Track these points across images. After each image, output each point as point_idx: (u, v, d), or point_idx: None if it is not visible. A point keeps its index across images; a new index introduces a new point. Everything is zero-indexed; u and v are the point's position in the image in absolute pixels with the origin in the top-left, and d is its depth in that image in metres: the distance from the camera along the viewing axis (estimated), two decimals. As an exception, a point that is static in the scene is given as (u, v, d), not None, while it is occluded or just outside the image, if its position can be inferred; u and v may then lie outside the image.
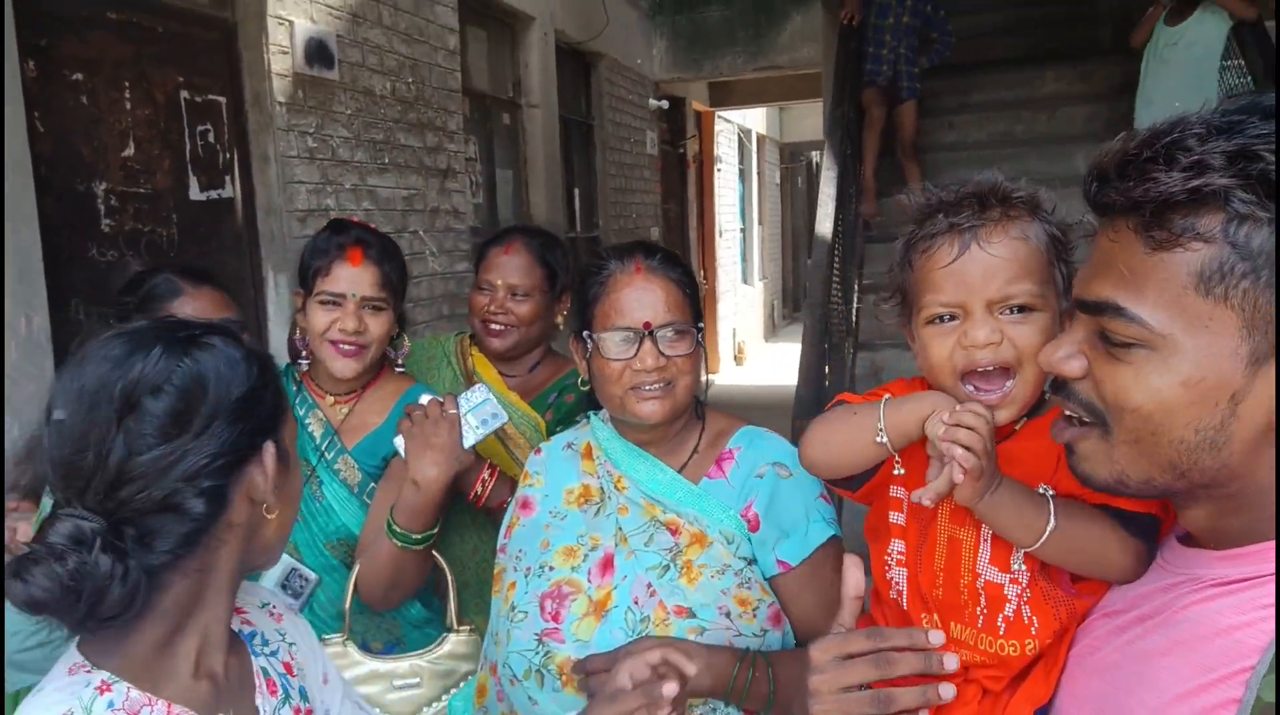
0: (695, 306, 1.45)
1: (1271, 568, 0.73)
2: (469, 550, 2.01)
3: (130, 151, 3.11)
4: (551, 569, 1.42)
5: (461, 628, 1.75)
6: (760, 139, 14.72)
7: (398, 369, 1.95)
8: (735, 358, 12.12)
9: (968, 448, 0.90)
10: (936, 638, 0.96)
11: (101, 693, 0.88)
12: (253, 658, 1.06)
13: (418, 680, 1.69)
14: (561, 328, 2.14)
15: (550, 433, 2.00)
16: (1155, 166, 0.73)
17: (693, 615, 1.31)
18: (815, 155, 19.95)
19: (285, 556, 1.75)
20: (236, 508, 0.95)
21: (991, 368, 0.98)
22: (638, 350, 1.37)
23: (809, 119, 15.72)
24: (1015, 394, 0.98)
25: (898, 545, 1.07)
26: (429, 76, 4.81)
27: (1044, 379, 0.97)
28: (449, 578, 1.77)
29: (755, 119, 14.13)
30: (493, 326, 2.05)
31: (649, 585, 1.34)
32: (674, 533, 1.37)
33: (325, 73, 3.90)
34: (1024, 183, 1.02)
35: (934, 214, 1.01)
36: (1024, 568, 0.97)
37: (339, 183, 4.08)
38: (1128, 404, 0.77)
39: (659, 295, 1.39)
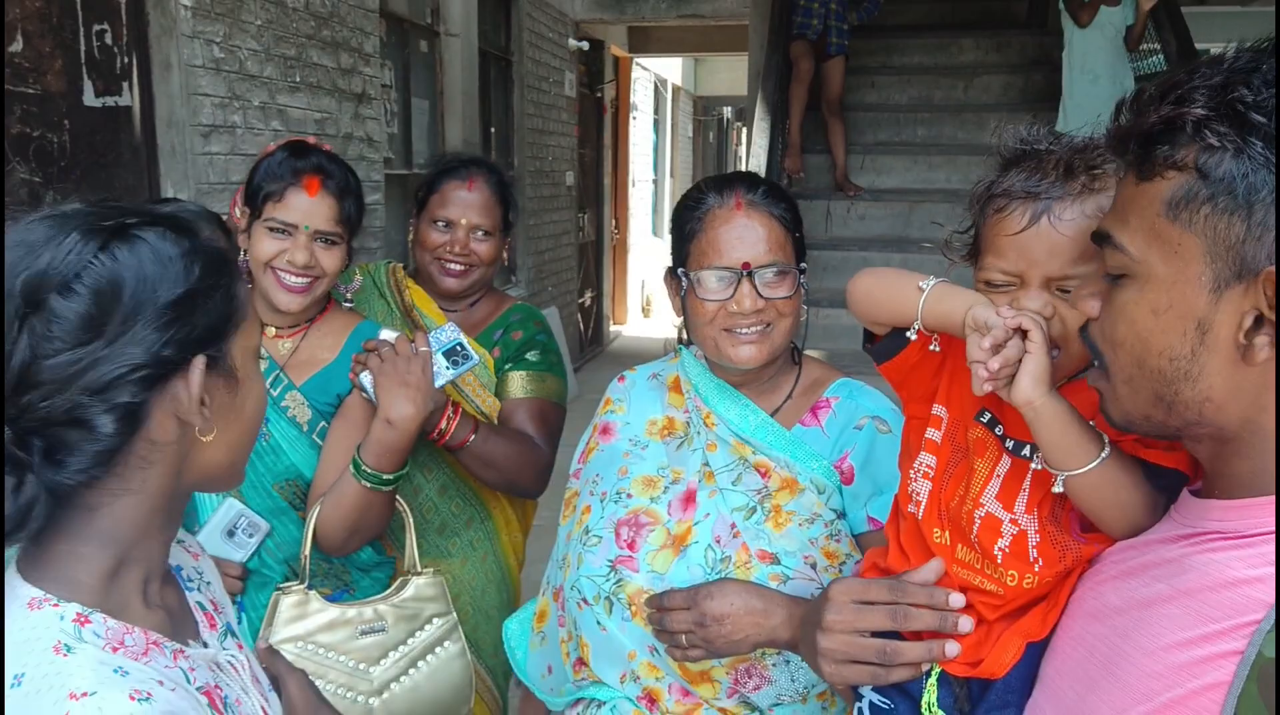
0: (798, 244, 1.37)
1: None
2: (438, 489, 1.94)
3: (18, 47, 2.83)
4: (629, 496, 1.40)
5: (425, 570, 1.70)
6: (675, 90, 14.62)
7: (346, 305, 1.84)
8: (643, 309, 12.13)
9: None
10: (956, 600, 0.97)
11: (81, 624, 0.80)
12: (185, 592, 0.98)
13: (383, 624, 1.65)
14: (504, 263, 2.07)
15: (499, 370, 1.95)
16: (1150, 103, 0.77)
17: (777, 561, 1.28)
18: (727, 110, 19.95)
19: (233, 501, 1.64)
20: (159, 426, 0.83)
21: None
22: (735, 291, 1.30)
23: (723, 73, 15.68)
24: (1057, 365, 0.96)
25: (928, 459, 1.06)
26: (345, -7, 4.55)
27: (1086, 361, 0.96)
28: (408, 519, 1.72)
29: (671, 69, 14.01)
30: (452, 266, 1.94)
31: (733, 525, 1.31)
32: (763, 475, 1.34)
33: (235, -22, 3.63)
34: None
35: (1019, 164, 0.98)
36: (1025, 514, 0.97)
37: (247, 99, 3.83)
38: (1114, 337, 0.81)
39: (760, 233, 1.31)
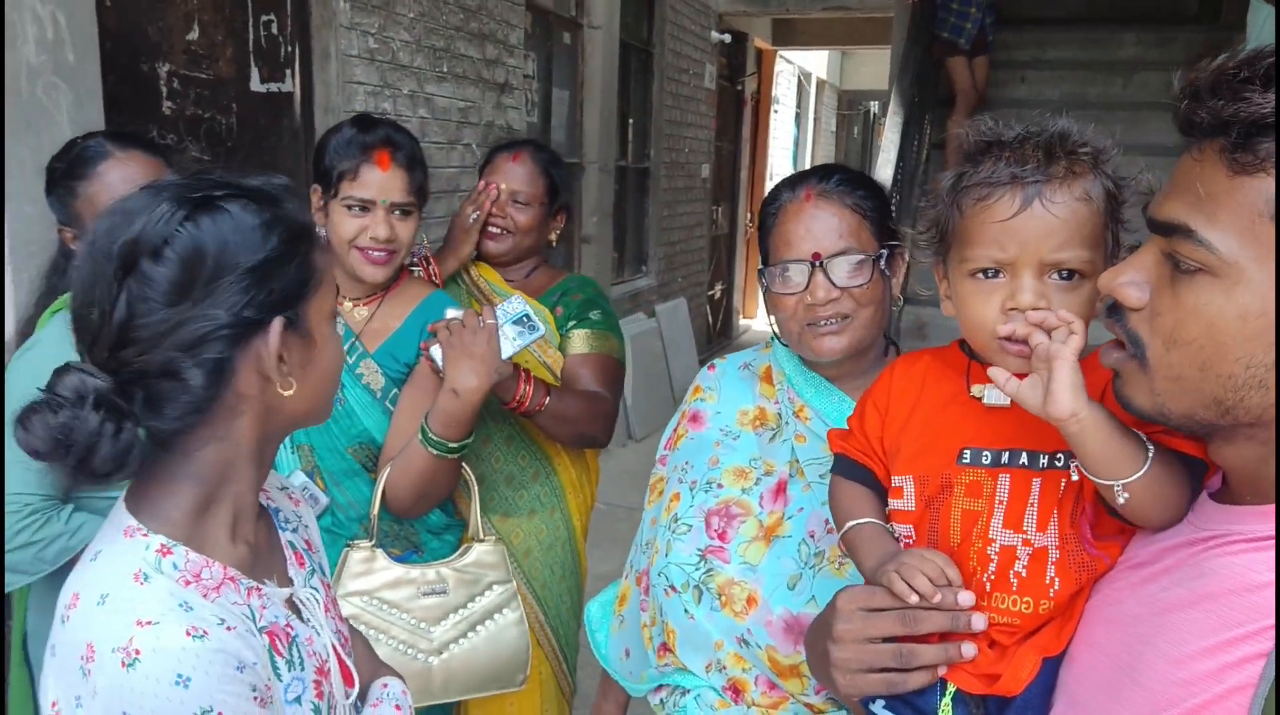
0: (883, 228, 1.34)
1: None
2: (505, 439, 2.05)
3: (195, 35, 3.09)
4: (720, 486, 1.39)
5: (487, 537, 1.78)
6: (820, 83, 14.41)
7: (414, 271, 1.94)
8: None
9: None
10: (965, 598, 0.94)
11: (163, 555, 0.89)
12: (280, 531, 1.08)
13: (444, 587, 1.72)
14: (554, 245, 2.20)
15: (562, 328, 2.06)
16: (1250, 86, 0.70)
17: None
18: (873, 105, 19.49)
19: (299, 472, 1.75)
20: (244, 380, 0.92)
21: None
22: (809, 283, 1.29)
23: (869, 67, 15.34)
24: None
25: (903, 529, 1.04)
26: (494, -14, 4.72)
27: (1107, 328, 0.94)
28: (473, 488, 1.79)
29: (816, 62, 13.81)
30: (491, 229, 2.08)
31: (826, 521, 1.28)
32: None
33: (392, -27, 3.83)
34: (1091, 132, 0.96)
35: (993, 154, 0.95)
36: (1037, 530, 0.95)
37: (397, 87, 4.04)
38: (1180, 336, 0.75)
39: (831, 223, 1.29)
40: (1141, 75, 5.61)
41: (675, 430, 1.52)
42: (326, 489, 1.80)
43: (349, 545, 1.71)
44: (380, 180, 1.72)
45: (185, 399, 0.88)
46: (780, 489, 1.35)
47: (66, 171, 1.77)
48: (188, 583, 0.88)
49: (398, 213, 1.75)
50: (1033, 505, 0.96)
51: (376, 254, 1.75)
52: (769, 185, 11.42)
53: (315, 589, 1.06)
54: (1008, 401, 0.97)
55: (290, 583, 1.03)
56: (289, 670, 0.94)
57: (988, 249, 0.95)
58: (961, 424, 1.02)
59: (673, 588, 1.35)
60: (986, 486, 0.98)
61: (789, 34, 10.83)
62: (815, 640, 1.07)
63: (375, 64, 3.88)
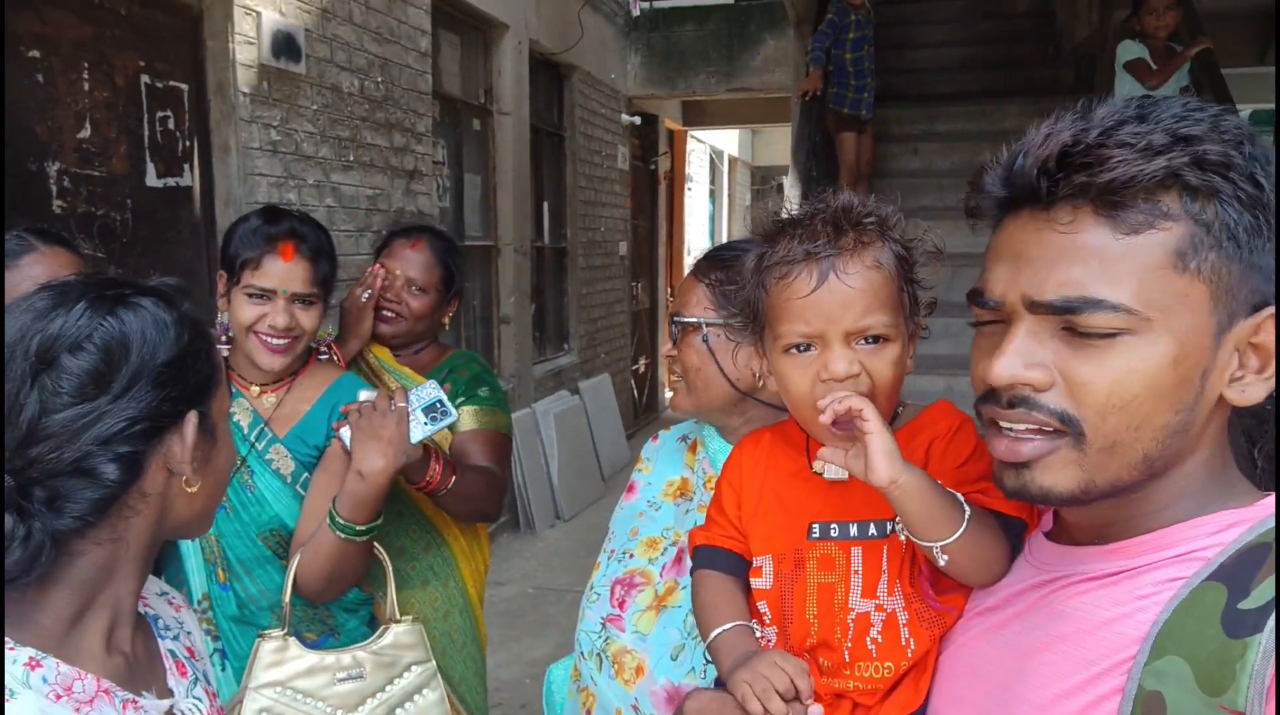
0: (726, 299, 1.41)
1: (1147, 560, 0.74)
2: (395, 514, 2.04)
3: (86, 133, 3.07)
4: (631, 556, 1.43)
5: (404, 617, 1.75)
6: (732, 160, 14.85)
7: (321, 357, 1.94)
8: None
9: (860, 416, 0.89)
10: (815, 712, 0.95)
11: (32, 669, 0.85)
12: (159, 639, 1.04)
13: (361, 671, 1.68)
14: (446, 327, 2.25)
15: (453, 400, 2.04)
16: (1112, 152, 0.73)
17: None
18: (785, 179, 20.12)
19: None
20: (152, 477, 0.92)
21: None
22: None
23: (780, 143, 15.89)
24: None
25: (761, 605, 1.06)
26: (399, 77, 4.80)
27: (893, 407, 0.99)
28: (388, 567, 1.77)
29: (727, 140, 14.26)
30: (385, 312, 2.11)
31: None
32: None
33: (292, 66, 3.87)
34: (872, 202, 1.00)
35: (785, 233, 1.00)
36: (889, 596, 0.97)
37: (302, 178, 4.05)
38: (1120, 398, 0.74)
39: (685, 291, 1.42)
40: (1025, 144, 5.93)
41: (620, 499, 1.57)
42: (232, 579, 1.77)
43: (261, 635, 1.67)
44: (282, 271, 1.74)
45: (90, 496, 0.87)
46: (679, 558, 1.37)
47: None
48: (58, 697, 0.85)
49: (299, 303, 1.77)
50: (884, 572, 0.98)
51: (275, 342, 1.76)
52: (687, 260, 11.63)
53: (198, 699, 1.02)
54: (845, 475, 0.99)
55: (170, 694, 0.99)
56: None
57: (795, 325, 0.98)
58: (807, 499, 1.04)
59: (583, 654, 1.40)
60: (839, 560, 1.00)
61: (698, 115, 11.19)
62: None
63: (278, 155, 3.89)
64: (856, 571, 0.99)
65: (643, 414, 9.72)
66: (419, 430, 1.69)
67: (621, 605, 1.37)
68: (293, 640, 1.66)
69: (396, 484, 1.83)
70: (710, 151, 13.25)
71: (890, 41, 5.70)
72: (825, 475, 1.03)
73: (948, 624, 0.93)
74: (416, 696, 1.73)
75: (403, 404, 1.69)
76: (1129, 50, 4.72)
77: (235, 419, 1.79)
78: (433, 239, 2.16)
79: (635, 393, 9.53)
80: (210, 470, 0.99)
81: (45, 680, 0.85)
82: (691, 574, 1.16)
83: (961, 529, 0.88)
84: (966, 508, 0.89)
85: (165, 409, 0.91)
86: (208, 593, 1.77)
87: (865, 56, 5.28)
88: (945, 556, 0.88)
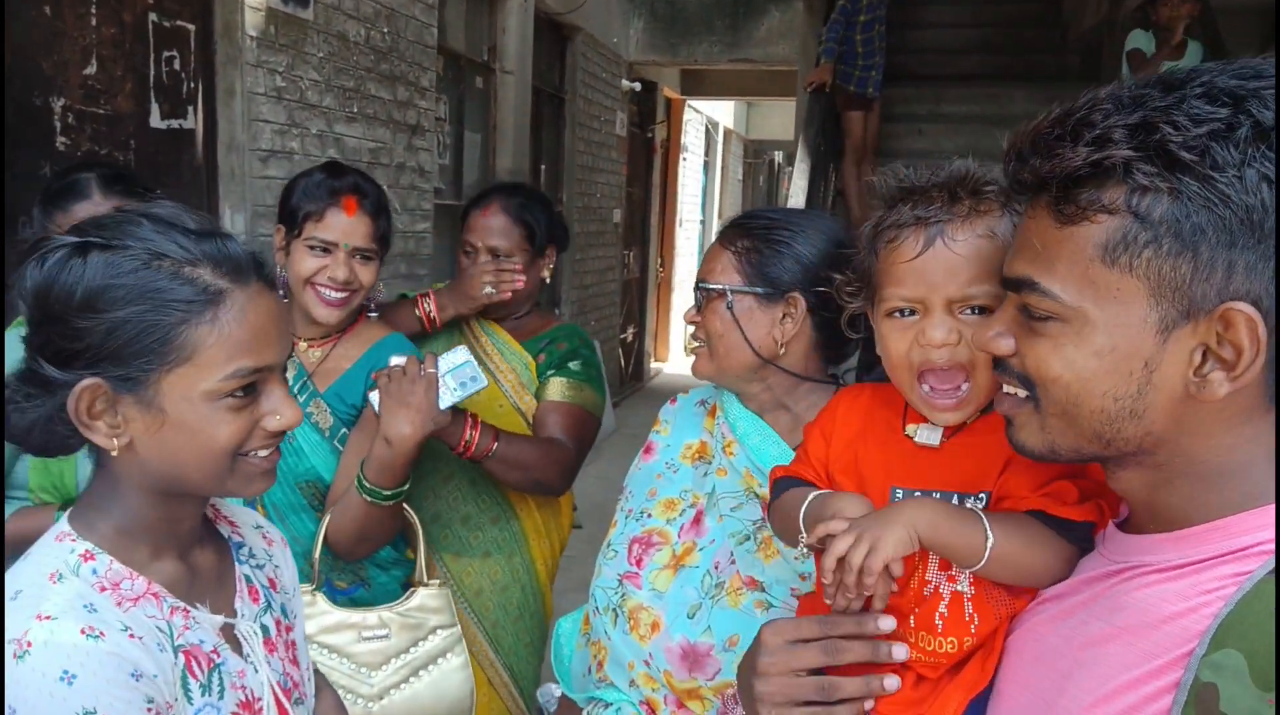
0: (760, 270, 1.39)
1: (1209, 551, 0.74)
2: (469, 481, 2.03)
3: (92, 69, 2.99)
4: (649, 516, 1.44)
5: (431, 581, 1.75)
6: (727, 133, 14.76)
7: (371, 315, 1.92)
8: (685, 347, 12.15)
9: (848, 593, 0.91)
10: (886, 624, 0.95)
11: (85, 560, 0.91)
12: (236, 564, 1.07)
13: (386, 632, 1.69)
14: (547, 282, 2.16)
15: (541, 375, 2.05)
16: (1062, 143, 0.74)
17: (763, 589, 1.30)
18: (778, 154, 20.05)
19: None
20: (77, 412, 0.90)
21: (948, 367, 0.98)
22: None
23: (774, 117, 15.80)
24: (970, 397, 0.98)
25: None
26: (404, 29, 4.71)
27: (998, 383, 0.97)
28: (419, 532, 1.77)
29: (723, 112, 14.16)
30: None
31: (730, 553, 1.33)
32: (762, 507, 1.36)
33: (300, 11, 3.79)
34: (998, 172, 0.99)
35: (903, 200, 1.00)
36: (960, 571, 0.96)
37: (305, 126, 3.97)
38: (1048, 376, 0.79)
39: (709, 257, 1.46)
40: (1031, 129, 5.93)
41: (636, 460, 1.58)
42: (271, 522, 1.76)
43: None
44: (345, 224, 1.75)
45: (35, 405, 0.91)
46: (698, 519, 1.39)
47: (50, 198, 1.78)
48: (103, 589, 0.90)
49: (359, 257, 1.77)
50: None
51: (333, 295, 1.76)
52: (679, 231, 11.59)
53: (265, 626, 1.05)
54: (937, 441, 1.00)
55: (235, 614, 1.02)
56: (202, 695, 0.93)
57: (898, 288, 0.98)
58: (897, 462, 1.03)
59: (598, 609, 1.42)
60: None
61: (697, 84, 11.10)
62: (742, 674, 1.07)
63: (283, 102, 3.81)
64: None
65: (629, 382, 9.72)
66: (448, 396, 1.68)
67: (639, 563, 1.39)
68: (320, 596, 1.67)
69: (445, 449, 1.82)
70: (706, 122, 13.16)
71: (898, 21, 5.65)
72: (916, 439, 1.03)
73: (1017, 606, 0.93)
74: (440, 660, 1.74)
75: (432, 370, 1.67)
76: (1134, 39, 4.72)
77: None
78: (504, 199, 2.08)
79: (622, 362, 9.52)
80: (163, 443, 0.92)
81: (95, 572, 0.91)
82: (770, 504, 1.14)
83: (985, 556, 0.89)
84: (989, 536, 0.89)
85: (53, 371, 0.90)
86: None
87: (876, 36, 5.24)
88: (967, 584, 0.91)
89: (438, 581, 1.77)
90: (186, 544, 1.00)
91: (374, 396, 1.67)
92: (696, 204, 13.16)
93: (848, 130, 5.19)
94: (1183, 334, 0.73)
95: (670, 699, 1.35)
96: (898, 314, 0.99)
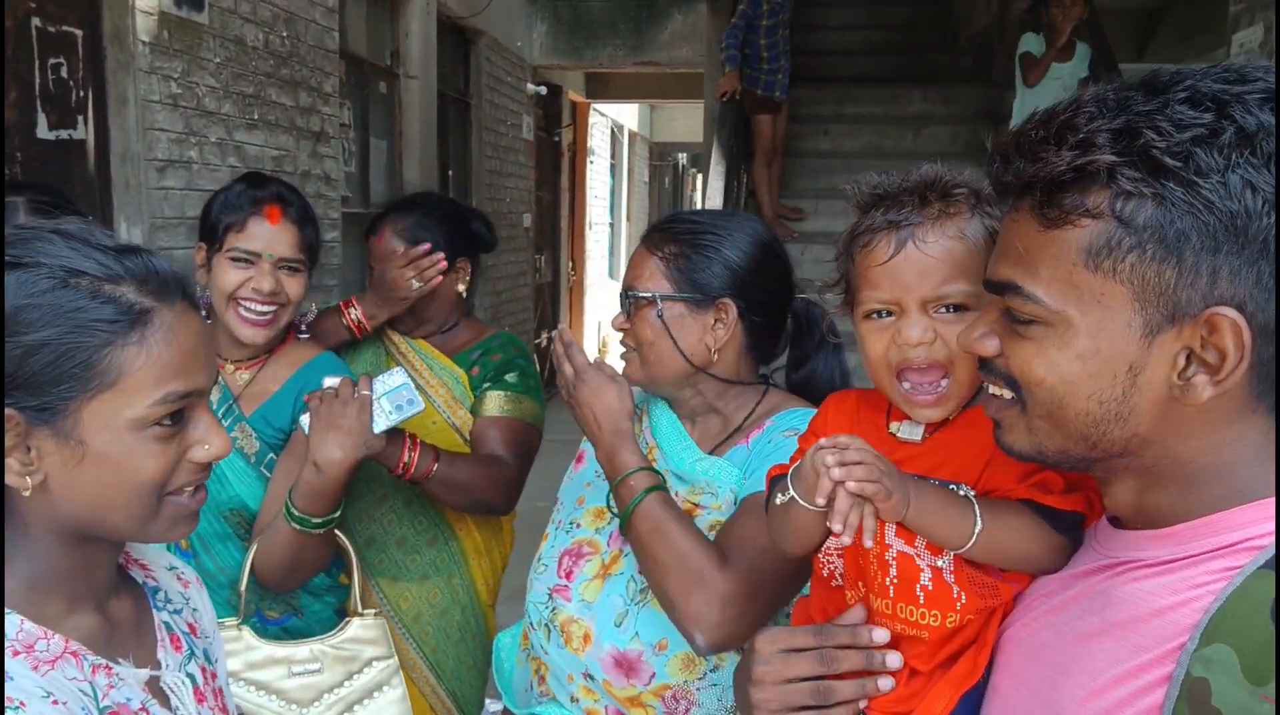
0: (689, 277, 1.40)
1: (1199, 547, 0.75)
2: (404, 502, 1.95)
3: (-30, 77, 2.81)
4: (578, 526, 1.43)
5: (366, 611, 1.67)
6: (632, 135, 14.81)
7: (301, 336, 1.83)
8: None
9: (863, 480, 0.89)
10: (880, 635, 0.96)
11: None
12: (154, 611, 0.99)
13: (319, 666, 1.60)
14: (463, 294, 2.07)
15: (476, 389, 1.97)
16: (1046, 147, 0.74)
17: None
18: (682, 157, 20.21)
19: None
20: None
21: (926, 365, 0.99)
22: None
23: (678, 120, 15.92)
24: (950, 393, 0.99)
25: (833, 542, 1.04)
26: (305, 33, 4.57)
27: (979, 376, 0.97)
28: (353, 559, 1.69)
29: (627, 115, 14.20)
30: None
31: None
32: (690, 510, 1.35)
33: (194, 15, 3.63)
34: (969, 174, 1.02)
35: (876, 206, 1.01)
36: (928, 550, 0.97)
37: (204, 135, 3.81)
38: (1031, 379, 0.79)
39: (637, 263, 1.44)
40: (930, 129, 6.11)
41: (569, 470, 1.56)
42: (194, 553, 1.67)
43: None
44: (268, 233, 1.66)
45: None
46: None
47: None
48: (16, 653, 0.82)
49: (285, 269, 1.68)
50: None
51: (259, 309, 1.66)
52: (589, 234, 11.57)
53: (190, 675, 0.97)
54: (919, 437, 1.02)
55: (158, 665, 0.94)
56: None
57: (873, 291, 1.00)
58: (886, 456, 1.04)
59: (533, 625, 1.42)
60: None
61: (602, 88, 11.10)
62: (738, 681, 1.07)
63: (179, 110, 3.65)
64: None
65: (546, 387, 9.62)
66: (383, 420, 1.61)
67: (569, 575, 1.39)
68: (247, 630, 1.58)
69: (380, 469, 1.76)
70: (611, 125, 13.17)
71: (799, 22, 5.75)
72: (899, 436, 1.04)
73: (1003, 593, 0.94)
74: (377, 693, 1.66)
75: (366, 392, 1.60)
76: (1025, 43, 4.90)
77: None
78: (396, 222, 1.99)
79: (538, 366, 9.41)
80: (81, 480, 0.84)
81: (7, 635, 0.82)
82: (766, 502, 1.11)
83: (973, 539, 0.90)
84: (978, 521, 0.90)
85: None
86: None
87: (780, 40, 5.31)
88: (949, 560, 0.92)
89: (374, 611, 1.69)
90: (102, 594, 0.92)
91: (305, 419, 1.59)
92: (605, 207, 13.16)
93: (757, 133, 5.25)
94: (1167, 338, 0.73)
95: (613, 709, 1.34)
96: (875, 316, 1.00)
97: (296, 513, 1.57)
